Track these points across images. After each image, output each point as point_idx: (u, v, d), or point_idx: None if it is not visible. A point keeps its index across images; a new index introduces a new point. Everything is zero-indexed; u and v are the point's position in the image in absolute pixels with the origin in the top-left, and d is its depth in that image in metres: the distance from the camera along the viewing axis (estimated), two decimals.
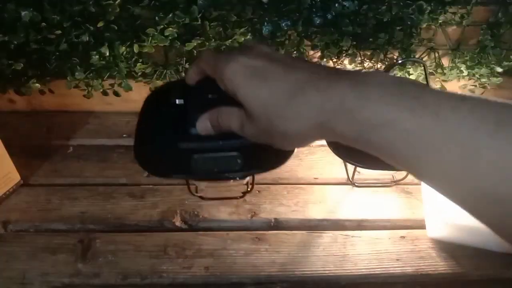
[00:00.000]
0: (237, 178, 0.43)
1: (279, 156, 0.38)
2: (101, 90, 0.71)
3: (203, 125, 0.35)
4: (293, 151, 0.39)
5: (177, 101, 0.39)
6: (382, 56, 0.70)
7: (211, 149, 0.37)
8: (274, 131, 0.29)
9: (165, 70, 0.69)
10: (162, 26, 0.61)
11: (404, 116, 0.23)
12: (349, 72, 0.29)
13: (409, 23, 0.64)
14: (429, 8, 0.62)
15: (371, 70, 0.71)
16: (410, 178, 0.65)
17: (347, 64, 0.71)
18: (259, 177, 0.50)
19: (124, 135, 0.73)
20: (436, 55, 0.71)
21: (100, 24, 0.61)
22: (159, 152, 0.37)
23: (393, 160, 0.26)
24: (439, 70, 0.72)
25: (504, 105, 0.22)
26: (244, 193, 0.56)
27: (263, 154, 0.38)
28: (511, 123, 0.21)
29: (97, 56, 0.64)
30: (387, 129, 0.24)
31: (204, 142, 0.36)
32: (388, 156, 0.26)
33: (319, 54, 0.69)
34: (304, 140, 0.30)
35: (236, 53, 0.31)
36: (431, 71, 0.72)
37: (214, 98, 0.35)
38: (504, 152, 0.21)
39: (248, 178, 0.53)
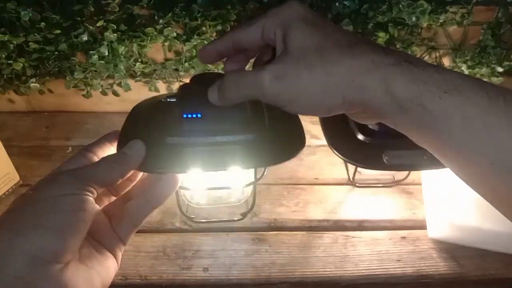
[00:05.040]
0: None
1: (285, 150, 0.34)
2: (100, 90, 0.70)
3: (213, 94, 0.31)
4: (298, 148, 0.35)
5: (169, 99, 0.34)
6: None
7: (206, 144, 0.32)
8: (314, 72, 0.26)
9: (165, 70, 0.69)
10: (161, 26, 0.61)
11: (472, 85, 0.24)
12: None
13: (409, 22, 0.63)
14: (429, 7, 0.62)
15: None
16: (411, 178, 0.65)
17: None
18: (258, 176, 0.49)
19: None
20: (437, 54, 0.71)
21: (100, 24, 0.61)
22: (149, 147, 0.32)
23: (432, 133, 0.25)
24: None
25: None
26: (244, 214, 0.51)
27: (268, 148, 0.34)
28: None
29: (96, 56, 0.64)
30: (452, 93, 0.24)
31: (197, 137, 0.32)
32: (431, 127, 0.25)
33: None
34: (340, 93, 0.26)
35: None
36: None
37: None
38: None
39: (247, 196, 0.49)
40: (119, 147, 0.33)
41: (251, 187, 0.49)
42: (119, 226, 0.31)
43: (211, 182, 0.44)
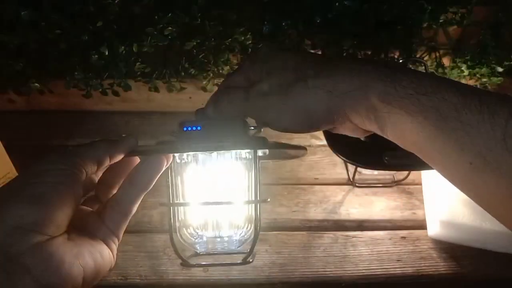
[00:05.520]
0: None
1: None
2: (100, 89, 0.70)
3: (209, 108, 0.33)
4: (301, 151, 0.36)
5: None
6: (383, 55, 0.69)
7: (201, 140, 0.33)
8: (295, 89, 0.28)
9: (165, 70, 0.69)
10: (161, 26, 0.61)
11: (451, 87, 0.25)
12: None
13: (410, 22, 0.63)
14: (429, 7, 0.62)
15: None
16: (411, 178, 0.65)
17: None
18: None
19: (123, 135, 0.73)
20: (437, 54, 0.71)
21: (99, 24, 0.61)
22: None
23: (421, 128, 0.25)
24: (440, 70, 0.72)
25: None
26: (245, 259, 0.49)
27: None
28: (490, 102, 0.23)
29: (96, 56, 0.64)
30: (429, 96, 0.24)
31: (195, 140, 0.33)
32: (417, 124, 0.25)
33: (319, 53, 0.69)
34: (324, 104, 0.27)
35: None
36: (432, 70, 0.72)
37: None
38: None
39: (250, 241, 0.47)
40: None
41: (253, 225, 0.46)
42: (109, 218, 0.31)
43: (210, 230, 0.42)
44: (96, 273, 0.28)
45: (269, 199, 0.41)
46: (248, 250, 0.39)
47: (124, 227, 0.31)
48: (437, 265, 0.54)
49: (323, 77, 0.27)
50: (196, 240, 0.40)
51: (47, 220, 0.25)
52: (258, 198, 0.38)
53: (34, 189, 0.26)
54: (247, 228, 0.41)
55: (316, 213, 0.61)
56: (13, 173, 0.60)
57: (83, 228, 0.29)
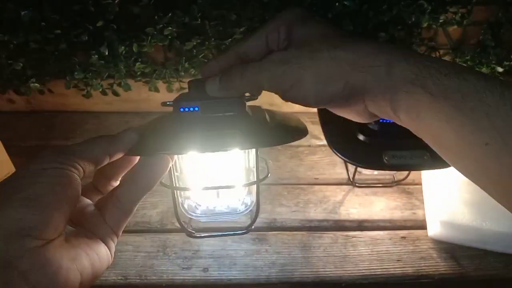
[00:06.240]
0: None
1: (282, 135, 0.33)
2: (100, 89, 0.70)
3: (211, 86, 0.31)
4: (301, 133, 0.34)
5: (168, 102, 0.34)
6: None
7: (203, 130, 0.32)
8: (318, 56, 0.27)
9: (165, 70, 0.69)
10: (161, 25, 0.61)
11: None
12: None
13: (410, 22, 0.63)
14: (429, 7, 0.62)
15: None
16: (411, 178, 0.65)
17: None
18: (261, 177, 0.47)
19: (123, 130, 0.73)
20: (437, 54, 0.71)
21: (99, 24, 0.61)
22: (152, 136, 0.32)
23: (434, 108, 0.25)
24: None
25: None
26: (248, 228, 0.48)
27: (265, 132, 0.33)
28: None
29: (96, 56, 0.64)
30: (451, 76, 0.25)
31: (195, 125, 0.32)
32: (436, 104, 0.25)
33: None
34: (344, 76, 0.27)
35: None
36: None
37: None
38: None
39: (253, 210, 0.46)
40: None
41: (254, 193, 0.47)
42: (110, 215, 0.30)
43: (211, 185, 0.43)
44: (93, 276, 0.27)
45: (269, 174, 0.40)
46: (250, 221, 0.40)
47: (124, 225, 0.30)
48: (437, 265, 0.54)
49: (348, 50, 0.27)
50: (199, 210, 0.42)
51: (44, 224, 0.24)
52: (258, 178, 0.38)
53: (30, 191, 0.25)
54: (248, 198, 0.42)
55: (316, 213, 0.61)
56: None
57: (82, 224, 0.29)
